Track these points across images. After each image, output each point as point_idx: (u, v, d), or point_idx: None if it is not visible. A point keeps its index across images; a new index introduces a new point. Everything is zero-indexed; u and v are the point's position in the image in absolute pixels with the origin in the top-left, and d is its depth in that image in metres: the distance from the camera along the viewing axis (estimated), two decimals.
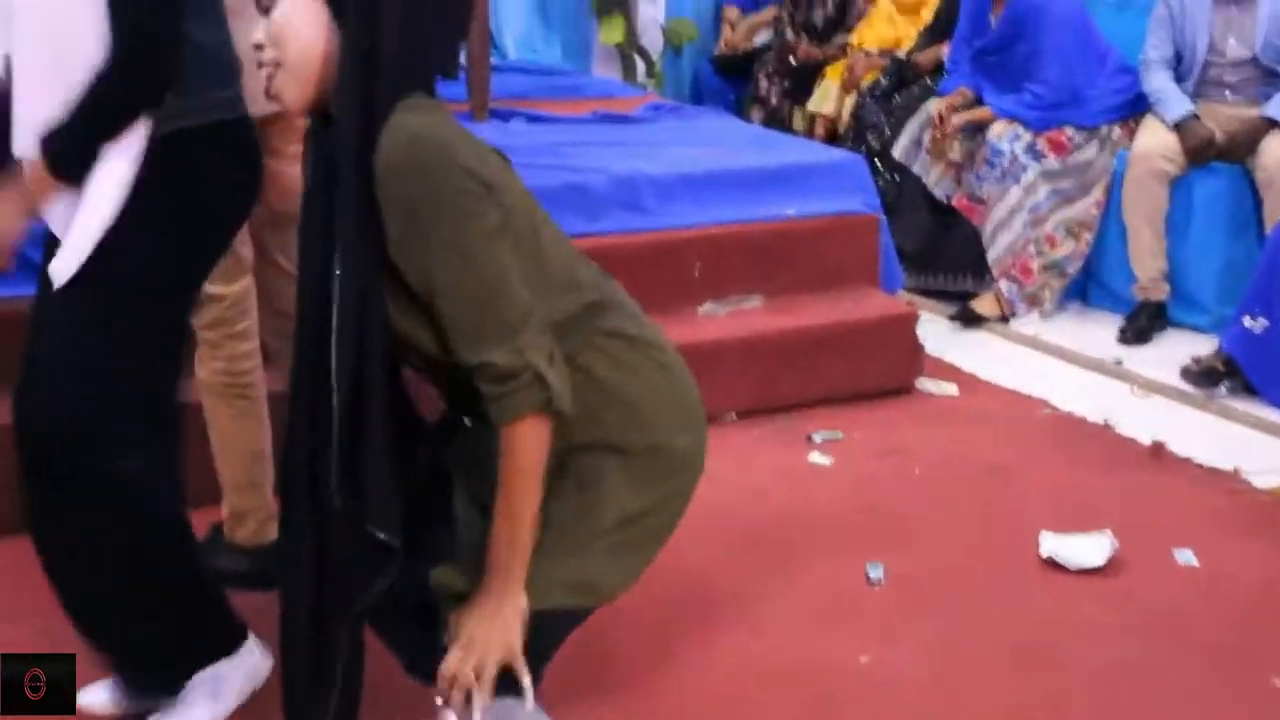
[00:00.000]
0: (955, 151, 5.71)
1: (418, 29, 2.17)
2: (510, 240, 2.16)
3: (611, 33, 7.63)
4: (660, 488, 2.39)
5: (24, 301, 2.69)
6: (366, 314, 2.16)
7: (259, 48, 2.20)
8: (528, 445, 2.17)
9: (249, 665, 2.80)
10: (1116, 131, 5.66)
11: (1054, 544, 3.61)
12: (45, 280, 2.55)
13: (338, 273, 2.15)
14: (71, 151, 2.43)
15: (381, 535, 2.20)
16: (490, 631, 2.22)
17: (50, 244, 2.55)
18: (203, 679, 2.73)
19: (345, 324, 2.15)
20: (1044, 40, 5.58)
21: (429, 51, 2.22)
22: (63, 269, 2.45)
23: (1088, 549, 3.59)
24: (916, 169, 5.88)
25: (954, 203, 5.75)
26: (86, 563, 2.58)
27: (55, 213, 2.50)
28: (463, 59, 5.11)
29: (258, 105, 2.63)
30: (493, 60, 6.18)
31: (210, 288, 3.09)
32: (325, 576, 2.28)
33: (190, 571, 2.71)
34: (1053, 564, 3.56)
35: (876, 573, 3.49)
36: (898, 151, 5.95)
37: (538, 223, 2.30)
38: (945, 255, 5.86)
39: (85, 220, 2.44)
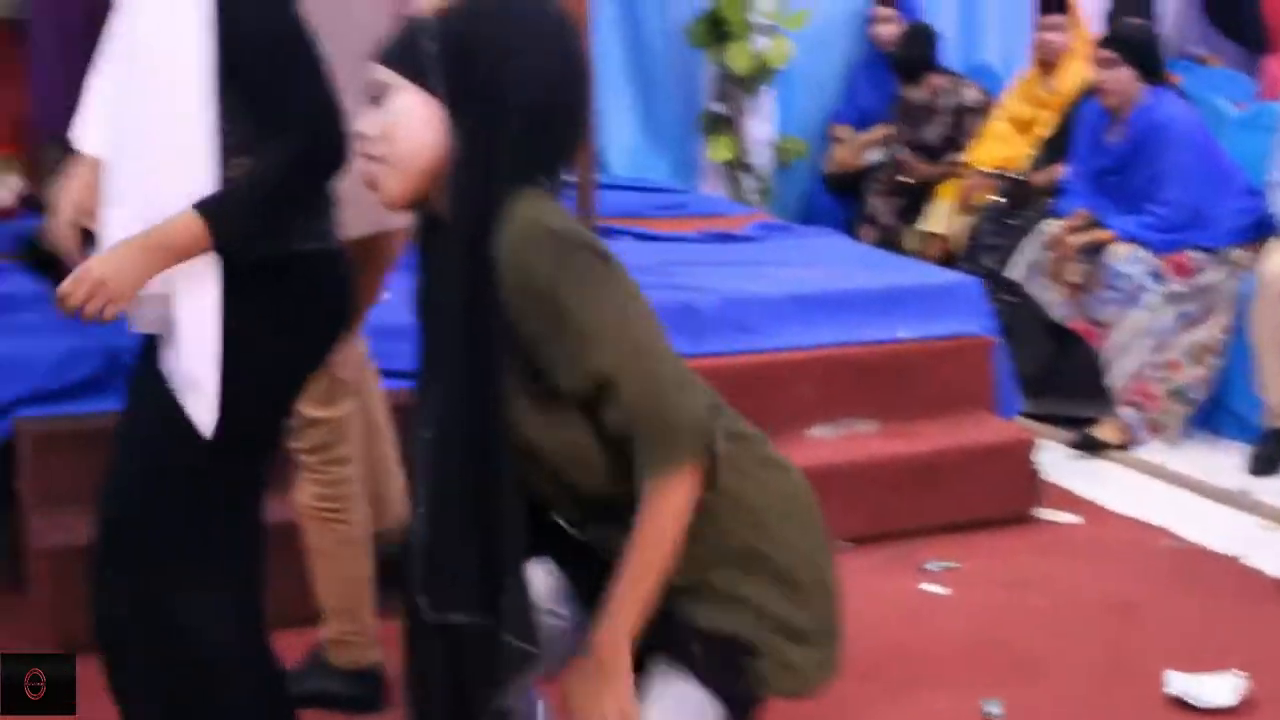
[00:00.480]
0: (1074, 274, 5.72)
1: (536, 137, 2.18)
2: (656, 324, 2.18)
3: (720, 150, 7.70)
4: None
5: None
6: (494, 427, 2.16)
7: (365, 138, 2.23)
8: (676, 504, 2.13)
9: None
10: (1242, 254, 5.65)
11: (1182, 683, 3.58)
12: (133, 391, 2.60)
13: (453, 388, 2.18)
14: (240, 222, 2.41)
15: (521, 645, 2.21)
16: (603, 694, 2.19)
17: (147, 350, 2.56)
18: None
19: (473, 442, 2.17)
20: (1166, 160, 5.60)
21: (544, 158, 2.21)
22: (207, 422, 2.44)
23: (1217, 689, 3.56)
24: (1034, 291, 5.89)
25: (1073, 326, 5.75)
26: (145, 696, 2.60)
27: (143, 313, 2.48)
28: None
29: (360, 225, 2.70)
30: (598, 177, 6.27)
31: (310, 411, 3.14)
32: (460, 689, 2.28)
33: (262, 712, 2.71)
34: (1180, 704, 3.53)
35: (994, 710, 3.47)
36: (1014, 273, 5.96)
37: (654, 320, 2.26)
38: (1064, 380, 5.86)
39: (198, 356, 2.43)
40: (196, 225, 2.35)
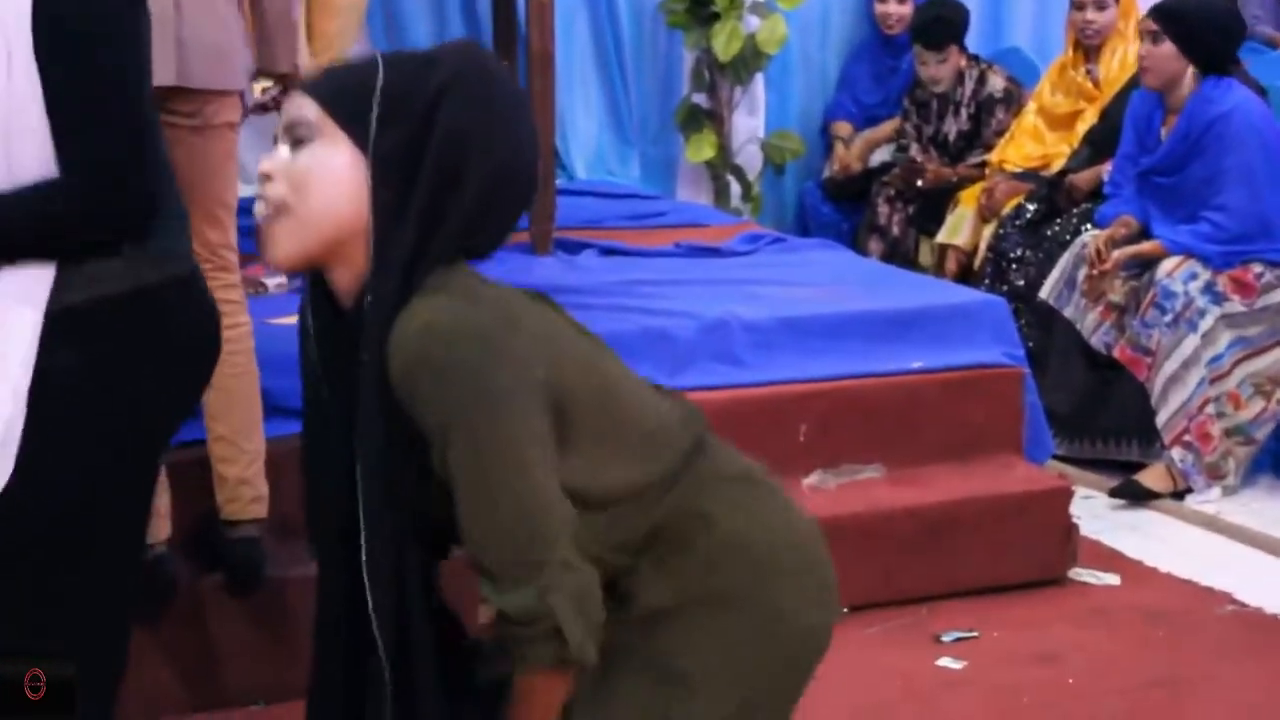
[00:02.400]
0: (1117, 292, 5.72)
1: (482, 218, 2.16)
2: (542, 448, 2.13)
3: (700, 149, 7.69)
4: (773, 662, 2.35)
5: None
6: (398, 527, 2.19)
7: (270, 179, 2.16)
8: (537, 699, 2.16)
9: None
10: None
11: None
12: None
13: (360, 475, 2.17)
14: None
15: None
16: None
17: None
18: None
19: (376, 537, 2.18)
20: (1226, 159, 5.61)
21: (483, 241, 2.20)
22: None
23: None
24: (1069, 313, 5.88)
25: (1115, 354, 5.73)
26: None
27: None
28: None
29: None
30: (559, 182, 6.27)
31: None
32: None
33: None
34: None
35: None
36: (1046, 292, 5.97)
37: (607, 379, 2.27)
38: (1105, 417, 5.84)
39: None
40: None
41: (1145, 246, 5.70)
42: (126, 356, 2.55)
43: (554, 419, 2.12)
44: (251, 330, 3.88)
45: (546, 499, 2.10)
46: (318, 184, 2.12)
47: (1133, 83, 6.35)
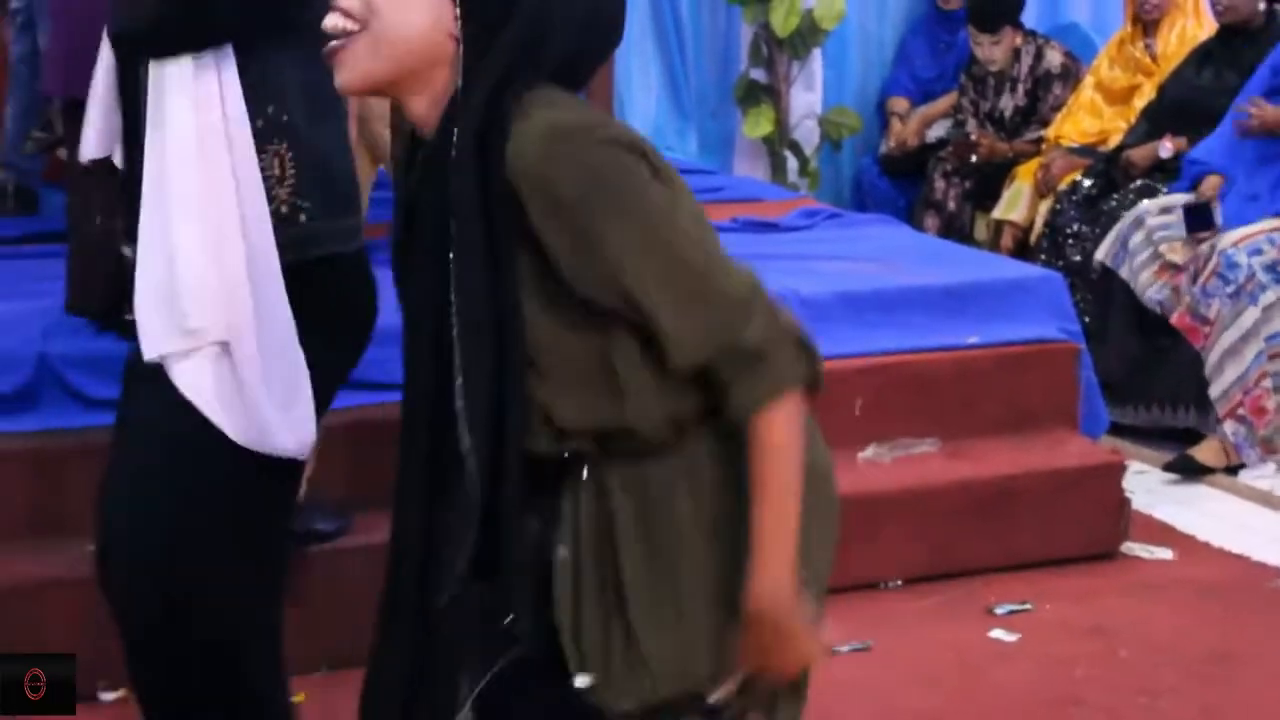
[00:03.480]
0: (1177, 253, 5.70)
1: (565, 35, 2.07)
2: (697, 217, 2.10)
3: (758, 124, 7.71)
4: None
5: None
6: (505, 363, 2.08)
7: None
8: (789, 428, 2.09)
9: None
10: None
11: None
12: (121, 418, 2.73)
13: (456, 323, 2.08)
14: None
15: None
16: (785, 653, 2.18)
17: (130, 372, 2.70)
18: None
19: (476, 383, 2.08)
20: None
21: (573, 63, 2.12)
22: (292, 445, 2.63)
23: None
24: (1124, 273, 5.88)
25: (1173, 320, 5.70)
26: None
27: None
28: None
29: None
30: None
31: None
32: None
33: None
34: None
35: None
36: (1101, 253, 5.98)
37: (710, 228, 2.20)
38: (1159, 384, 5.81)
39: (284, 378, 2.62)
40: None
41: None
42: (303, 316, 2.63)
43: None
44: None
45: (722, 252, 2.09)
46: (400, 4, 2.04)
47: (1194, 56, 6.37)
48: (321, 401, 2.75)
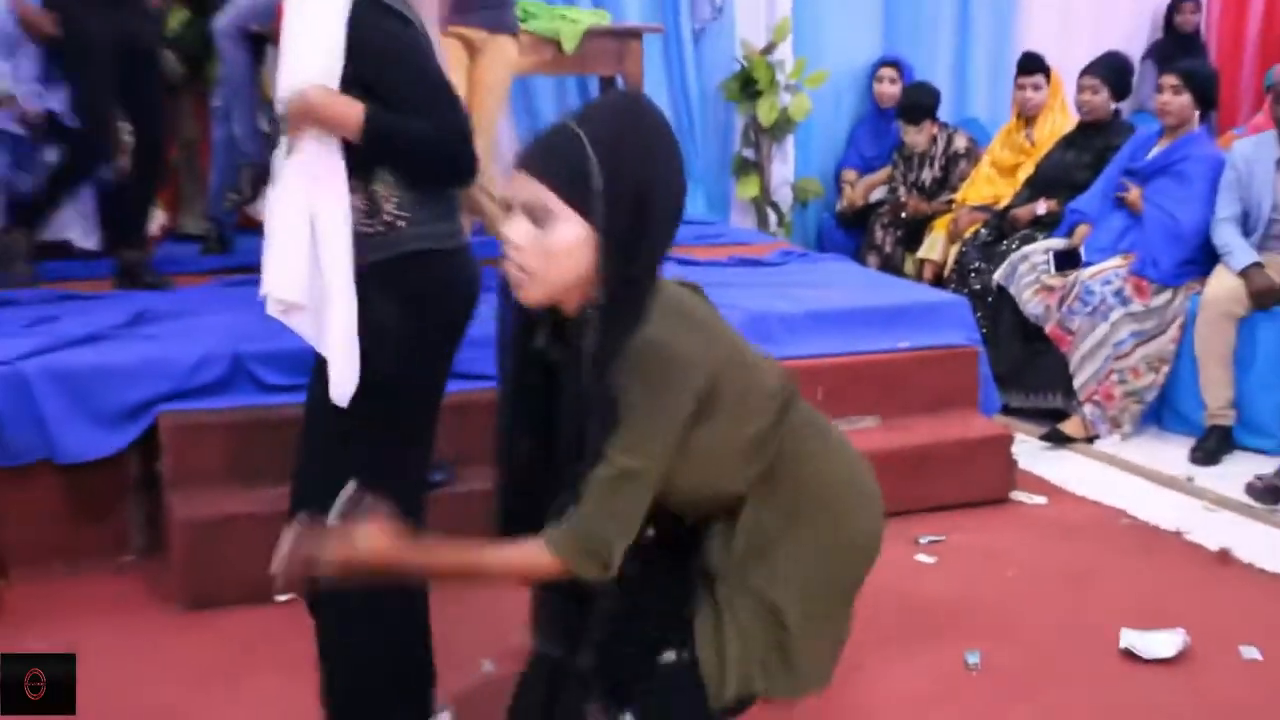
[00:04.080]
0: (1053, 280, 5.68)
1: (666, 239, 2.12)
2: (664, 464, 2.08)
3: (748, 189, 7.71)
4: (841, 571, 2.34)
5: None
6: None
7: (517, 248, 2.05)
8: (536, 568, 2.09)
9: None
10: (1192, 281, 5.61)
11: (1132, 639, 3.57)
12: (311, 402, 2.71)
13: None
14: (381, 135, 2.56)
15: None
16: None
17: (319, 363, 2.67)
18: None
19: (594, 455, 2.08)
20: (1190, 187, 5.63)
21: (665, 252, 2.14)
22: (341, 393, 2.59)
23: (1162, 643, 3.55)
24: (1013, 289, 5.84)
25: (1047, 330, 5.68)
26: (338, 652, 2.69)
27: (304, 325, 2.64)
28: None
29: None
30: None
31: None
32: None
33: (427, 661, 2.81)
34: (1130, 656, 3.53)
35: (973, 659, 3.47)
36: (998, 275, 5.92)
37: (739, 349, 2.22)
38: (1037, 377, 5.76)
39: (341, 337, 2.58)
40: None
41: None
42: (417, 300, 2.64)
43: (704, 401, 2.07)
44: None
45: (640, 513, 2.08)
46: (560, 258, 2.03)
47: (1061, 142, 6.35)
48: (440, 362, 2.74)
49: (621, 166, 2.02)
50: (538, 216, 2.03)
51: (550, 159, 2.04)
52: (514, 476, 2.27)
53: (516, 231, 2.04)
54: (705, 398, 2.07)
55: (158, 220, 5.98)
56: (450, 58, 4.15)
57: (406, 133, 2.55)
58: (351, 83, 2.54)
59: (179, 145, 6.19)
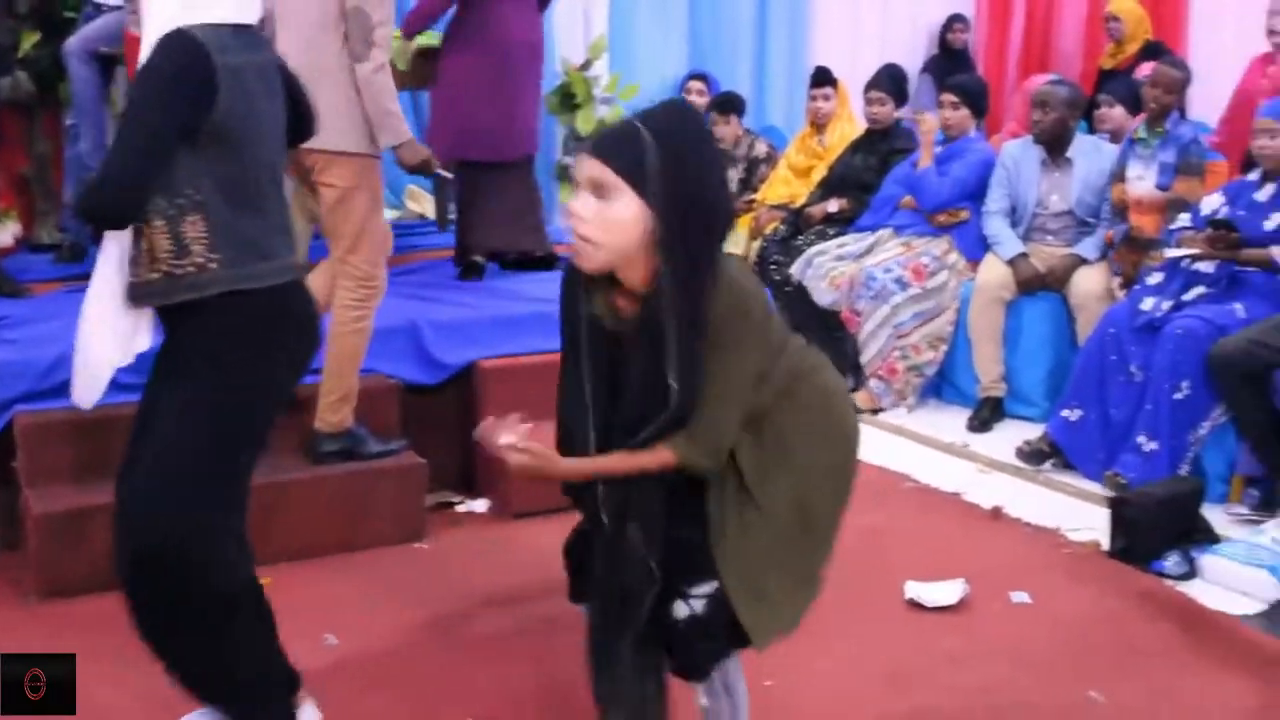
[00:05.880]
0: (844, 269, 5.75)
1: (724, 221, 2.22)
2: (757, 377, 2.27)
3: (568, 193, 7.60)
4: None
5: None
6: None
7: (581, 220, 2.15)
8: (662, 464, 2.24)
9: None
10: (962, 263, 5.72)
11: (916, 589, 3.63)
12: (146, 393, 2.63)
13: (674, 385, 2.19)
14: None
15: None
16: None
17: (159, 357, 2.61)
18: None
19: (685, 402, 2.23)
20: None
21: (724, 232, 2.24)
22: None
23: (943, 592, 3.61)
24: (808, 281, 5.90)
25: (842, 315, 5.75)
26: (169, 631, 2.57)
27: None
28: None
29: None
30: None
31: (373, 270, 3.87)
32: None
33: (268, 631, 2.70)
34: (916, 605, 3.58)
35: None
36: (794, 270, 5.98)
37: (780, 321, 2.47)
38: (830, 356, 5.75)
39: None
40: None
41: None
42: (248, 333, 2.55)
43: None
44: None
45: (739, 420, 2.27)
46: (620, 228, 2.13)
47: (850, 147, 6.44)
48: (280, 391, 2.66)
49: (672, 152, 2.12)
50: (600, 192, 2.13)
51: (613, 144, 2.15)
52: (597, 420, 2.31)
53: (581, 205, 2.15)
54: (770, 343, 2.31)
55: (12, 231, 5.74)
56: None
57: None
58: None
59: (32, 161, 5.95)
